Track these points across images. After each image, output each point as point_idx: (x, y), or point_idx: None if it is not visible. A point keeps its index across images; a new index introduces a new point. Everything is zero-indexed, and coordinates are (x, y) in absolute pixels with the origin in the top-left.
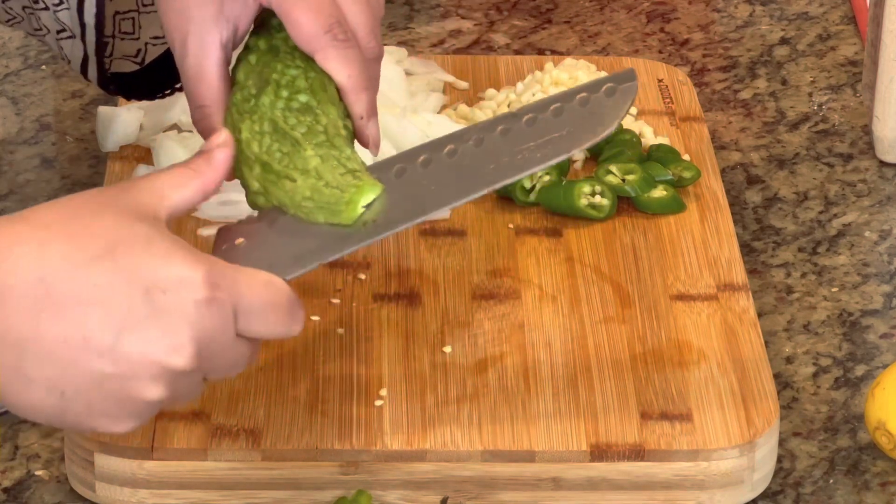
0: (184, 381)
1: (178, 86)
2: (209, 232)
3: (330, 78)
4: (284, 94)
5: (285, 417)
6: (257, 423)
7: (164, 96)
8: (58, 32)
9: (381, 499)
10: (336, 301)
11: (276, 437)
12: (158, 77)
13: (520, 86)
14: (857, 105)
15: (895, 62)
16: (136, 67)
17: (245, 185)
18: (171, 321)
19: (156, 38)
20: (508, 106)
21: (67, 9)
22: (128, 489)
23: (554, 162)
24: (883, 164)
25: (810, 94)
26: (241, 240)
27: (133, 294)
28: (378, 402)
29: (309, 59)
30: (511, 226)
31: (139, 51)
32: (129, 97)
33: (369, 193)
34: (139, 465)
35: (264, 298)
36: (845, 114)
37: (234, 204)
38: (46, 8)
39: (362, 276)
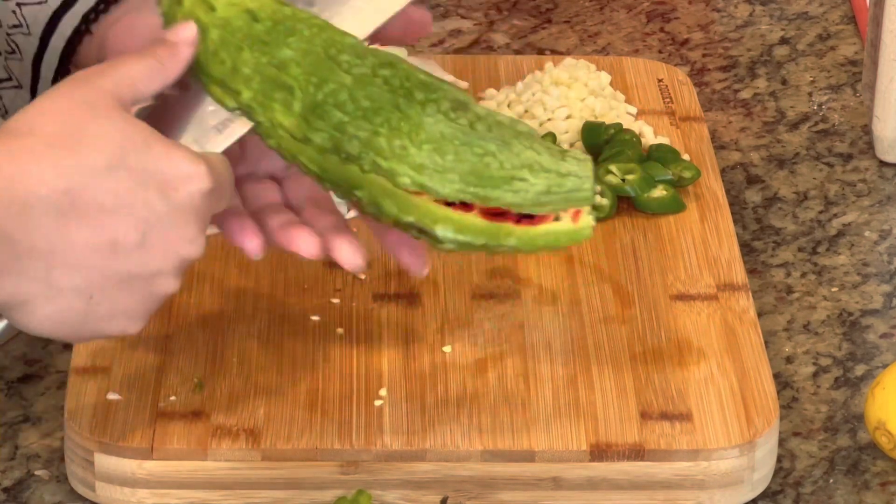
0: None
1: None
2: (209, 232)
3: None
4: (419, 95)
5: (285, 417)
6: (257, 423)
7: None
8: (0, 81)
9: (381, 499)
10: (336, 301)
11: (276, 437)
12: None
13: (520, 85)
14: (857, 105)
15: (895, 62)
16: None
17: (436, 191)
18: (186, 215)
19: None
20: (509, 106)
21: (20, 60)
22: (128, 489)
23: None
24: (883, 163)
25: (810, 94)
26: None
27: (149, 196)
28: (378, 402)
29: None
30: None
31: None
32: None
33: (592, 165)
34: (139, 465)
35: (229, 179)
36: (845, 114)
37: None
38: None
39: (362, 276)
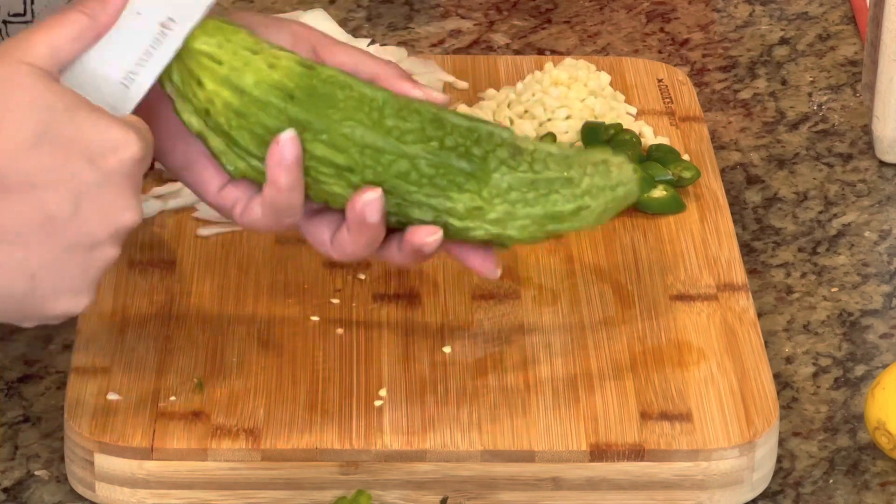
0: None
1: None
2: (209, 232)
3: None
4: (478, 151)
5: (285, 417)
6: (257, 423)
7: None
8: None
9: (380, 499)
10: (336, 301)
11: (276, 437)
12: None
13: (520, 86)
14: (856, 105)
15: (895, 62)
16: None
17: (511, 238)
18: (118, 181)
19: None
20: (509, 106)
21: None
22: (128, 489)
23: None
24: (883, 164)
25: (810, 94)
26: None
27: (78, 166)
28: (378, 402)
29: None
30: None
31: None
32: None
33: (629, 163)
34: (139, 465)
35: (150, 141)
36: (845, 114)
37: None
38: None
39: (362, 276)
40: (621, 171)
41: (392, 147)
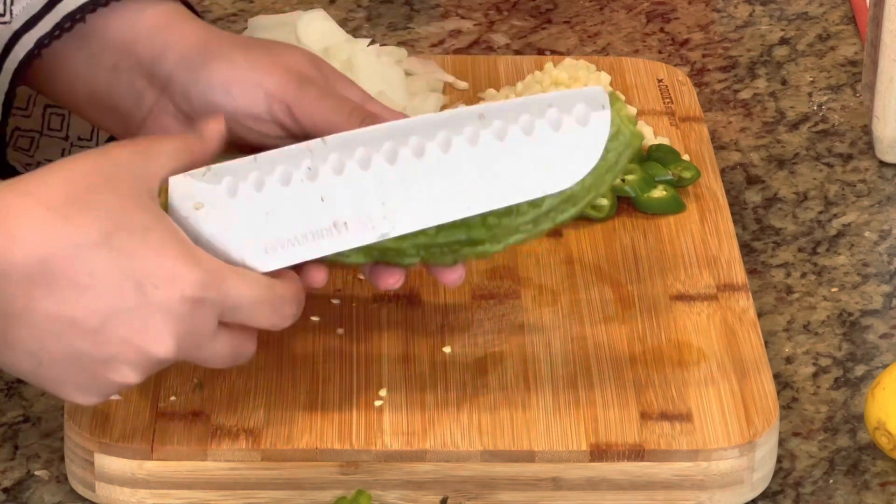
0: (160, 367)
1: None
2: None
3: None
4: (475, 218)
5: (285, 417)
6: (257, 423)
7: None
8: None
9: (380, 499)
10: (336, 301)
11: (276, 437)
12: None
13: (520, 86)
14: (856, 105)
15: (895, 62)
16: None
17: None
18: (156, 314)
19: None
20: None
21: None
22: (128, 489)
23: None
24: (883, 164)
25: (810, 94)
26: (201, 205)
27: (125, 285)
28: (378, 403)
29: None
30: None
31: (63, 150)
32: None
33: (616, 102)
34: (139, 465)
35: (250, 297)
36: (845, 114)
37: None
38: None
39: (362, 277)
40: (619, 140)
41: (394, 244)
